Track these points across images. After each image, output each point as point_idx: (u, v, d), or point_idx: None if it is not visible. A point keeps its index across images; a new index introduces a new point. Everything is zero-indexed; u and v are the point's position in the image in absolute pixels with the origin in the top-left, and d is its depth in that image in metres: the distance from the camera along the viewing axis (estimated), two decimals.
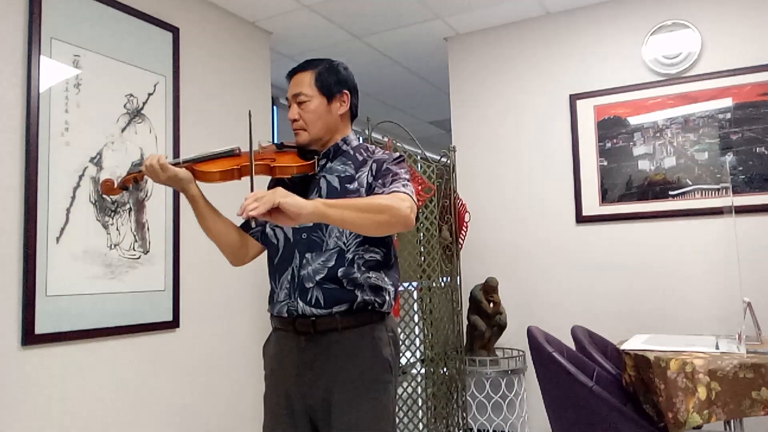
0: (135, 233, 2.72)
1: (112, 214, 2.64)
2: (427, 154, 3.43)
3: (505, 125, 3.69)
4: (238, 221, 1.81)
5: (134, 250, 2.71)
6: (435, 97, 5.09)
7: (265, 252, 1.79)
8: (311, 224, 1.62)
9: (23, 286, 2.29)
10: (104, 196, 2.50)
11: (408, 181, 1.62)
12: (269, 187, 1.82)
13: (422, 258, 3.18)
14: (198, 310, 3.01)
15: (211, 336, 3.07)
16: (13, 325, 2.26)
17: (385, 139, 3.11)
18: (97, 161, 2.59)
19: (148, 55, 2.86)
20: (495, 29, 3.76)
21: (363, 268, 1.61)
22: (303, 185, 1.69)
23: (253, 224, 1.47)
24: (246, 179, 1.56)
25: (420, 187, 3.10)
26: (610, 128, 3.36)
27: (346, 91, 1.73)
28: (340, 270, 1.60)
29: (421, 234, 3.20)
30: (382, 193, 1.57)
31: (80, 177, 2.52)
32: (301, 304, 1.60)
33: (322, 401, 1.58)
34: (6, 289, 2.26)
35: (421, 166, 3.24)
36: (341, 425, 1.56)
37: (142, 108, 2.81)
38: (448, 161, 3.49)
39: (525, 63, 3.65)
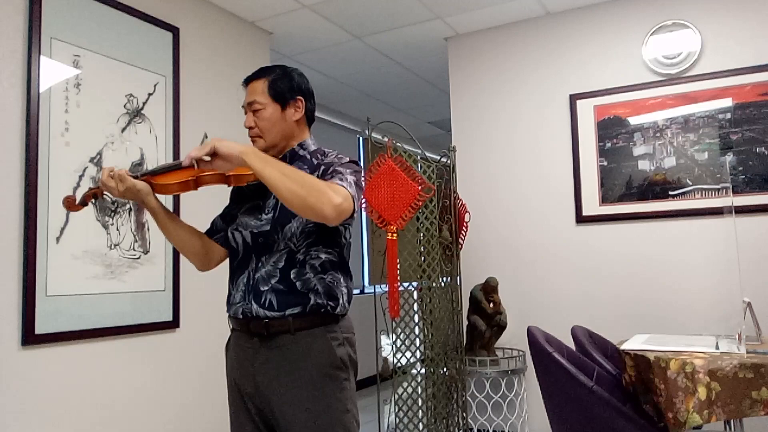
0: (135, 233, 2.73)
1: (112, 214, 2.64)
2: (427, 154, 3.43)
3: (505, 125, 3.69)
4: (202, 228, 1.82)
5: (134, 250, 2.71)
6: (435, 97, 5.09)
7: None
8: (268, 228, 1.64)
9: (23, 286, 2.29)
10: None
11: (354, 180, 1.60)
12: (231, 196, 1.84)
13: (422, 258, 3.18)
14: (198, 310, 3.01)
15: (211, 336, 3.07)
16: (13, 325, 2.26)
17: (385, 139, 3.11)
18: (97, 161, 2.59)
19: (148, 55, 2.86)
20: (495, 29, 3.76)
21: (318, 269, 1.62)
22: (261, 191, 1.70)
23: (195, 165, 1.51)
24: (203, 189, 1.61)
25: (420, 187, 3.09)
26: (610, 128, 3.36)
27: (300, 98, 1.73)
28: (292, 272, 1.61)
29: (421, 234, 3.20)
30: None
31: (80, 177, 2.52)
32: (255, 306, 1.62)
33: (277, 401, 1.59)
34: (6, 289, 2.26)
35: (421, 166, 3.24)
36: (297, 424, 1.56)
37: (142, 108, 2.81)
38: (448, 161, 3.49)
39: (525, 63, 3.65)
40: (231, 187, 1.78)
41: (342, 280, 1.67)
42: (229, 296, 1.71)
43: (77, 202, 1.70)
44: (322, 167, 1.67)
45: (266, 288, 1.61)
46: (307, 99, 1.76)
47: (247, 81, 1.74)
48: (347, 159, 1.68)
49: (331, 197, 1.48)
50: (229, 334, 1.74)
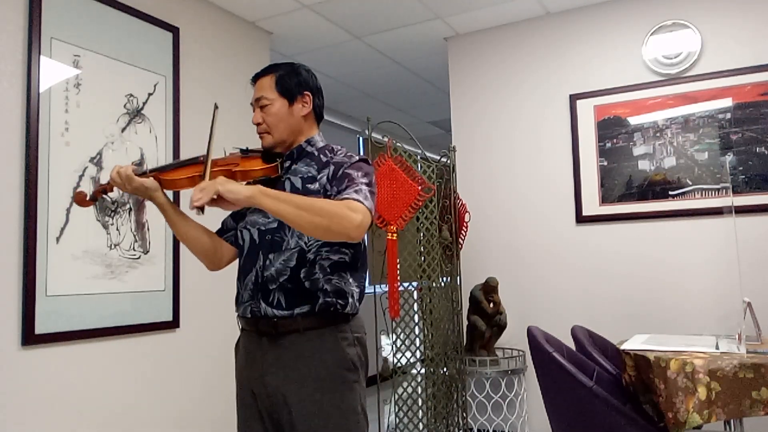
0: (135, 233, 2.73)
1: (112, 214, 2.64)
2: (427, 154, 3.43)
3: (505, 125, 3.69)
4: (212, 227, 1.81)
5: (134, 250, 2.71)
6: (435, 97, 5.09)
7: None
8: (275, 225, 1.63)
9: (23, 286, 2.29)
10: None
11: (367, 186, 1.57)
12: None
13: (422, 258, 3.18)
14: (198, 310, 3.01)
15: (211, 336, 3.07)
16: (13, 325, 2.26)
17: (385, 139, 3.11)
18: (97, 161, 2.59)
19: (148, 55, 2.86)
20: (495, 29, 3.76)
21: (327, 270, 1.60)
22: (268, 187, 1.69)
23: (197, 213, 1.49)
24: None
25: (420, 187, 3.09)
26: (610, 128, 3.36)
27: (307, 93, 1.74)
28: (302, 271, 1.59)
29: (421, 234, 3.19)
30: (335, 198, 1.55)
31: (80, 177, 2.52)
32: (263, 305, 1.60)
33: (286, 401, 1.58)
34: (6, 289, 2.26)
35: (421, 166, 3.23)
36: (306, 425, 1.55)
37: (142, 108, 2.81)
38: (448, 161, 3.49)
39: (525, 63, 3.65)
40: None
41: (352, 280, 1.65)
42: (238, 295, 1.70)
43: (88, 197, 1.71)
44: (332, 166, 1.65)
45: (275, 286, 1.60)
46: (315, 95, 1.76)
47: (255, 78, 1.75)
48: (357, 158, 1.65)
49: (351, 219, 1.47)
50: (238, 334, 1.73)
